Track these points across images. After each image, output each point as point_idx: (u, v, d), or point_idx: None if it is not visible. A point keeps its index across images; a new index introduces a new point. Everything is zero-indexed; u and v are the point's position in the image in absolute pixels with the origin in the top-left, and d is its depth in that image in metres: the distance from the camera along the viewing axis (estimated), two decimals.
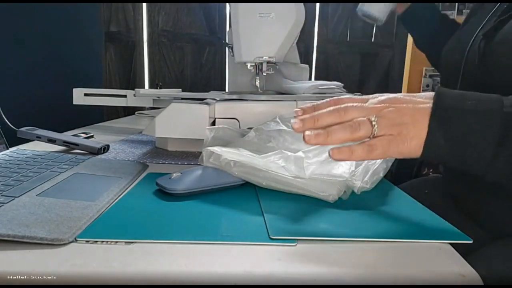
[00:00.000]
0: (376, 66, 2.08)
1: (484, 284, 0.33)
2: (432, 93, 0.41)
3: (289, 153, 0.50)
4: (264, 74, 0.82)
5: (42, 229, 0.36)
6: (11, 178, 0.50)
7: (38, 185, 0.48)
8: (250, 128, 0.63)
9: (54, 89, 1.26)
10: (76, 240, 0.36)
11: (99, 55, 1.77)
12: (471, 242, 0.39)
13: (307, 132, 0.40)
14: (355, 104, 0.41)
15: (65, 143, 0.71)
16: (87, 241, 0.36)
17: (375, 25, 2.04)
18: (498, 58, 0.56)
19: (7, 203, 0.42)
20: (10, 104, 0.78)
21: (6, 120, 0.71)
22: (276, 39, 0.79)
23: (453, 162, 0.40)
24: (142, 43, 1.88)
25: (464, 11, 1.89)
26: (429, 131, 0.39)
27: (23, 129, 0.73)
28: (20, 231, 0.35)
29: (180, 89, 1.25)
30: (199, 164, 0.56)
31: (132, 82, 1.92)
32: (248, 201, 0.48)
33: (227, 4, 1.71)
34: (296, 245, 0.37)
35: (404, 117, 0.40)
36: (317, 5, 2.02)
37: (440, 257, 0.36)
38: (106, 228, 0.39)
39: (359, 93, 0.84)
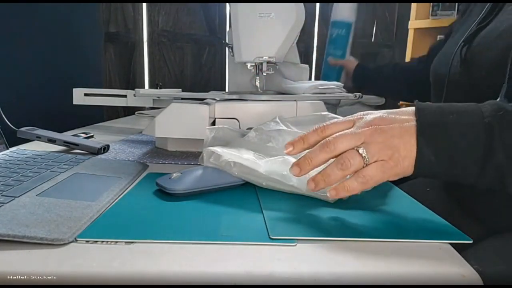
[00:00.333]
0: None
1: (484, 284, 0.33)
2: (412, 109, 0.43)
3: (291, 159, 0.50)
4: (264, 74, 0.82)
5: (42, 229, 0.36)
6: (11, 178, 0.50)
7: (38, 185, 0.48)
8: (250, 128, 0.63)
9: (54, 89, 1.26)
10: (76, 240, 0.36)
11: (99, 55, 1.76)
12: (471, 242, 0.39)
13: (310, 185, 0.44)
14: (342, 133, 0.42)
15: (65, 143, 0.71)
16: (87, 241, 0.36)
17: (375, 25, 2.04)
18: (477, 60, 0.59)
19: (7, 203, 0.42)
20: (10, 104, 0.78)
21: (6, 120, 0.71)
22: (276, 39, 0.79)
23: (444, 176, 0.42)
24: (142, 43, 1.88)
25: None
26: (418, 149, 0.40)
27: (23, 129, 0.73)
28: (20, 231, 0.35)
29: (180, 89, 1.25)
30: (199, 164, 0.56)
31: (132, 82, 1.91)
32: (248, 201, 0.48)
33: (227, 4, 1.71)
34: (296, 245, 0.37)
35: (393, 139, 0.41)
36: (317, 5, 2.02)
37: (440, 257, 0.36)
38: (106, 228, 0.39)
39: (359, 93, 0.84)
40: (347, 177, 0.43)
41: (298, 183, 0.49)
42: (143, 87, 1.90)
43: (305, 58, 2.04)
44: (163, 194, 0.50)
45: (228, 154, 0.53)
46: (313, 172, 0.44)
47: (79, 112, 1.10)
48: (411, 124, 0.41)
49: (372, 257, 0.35)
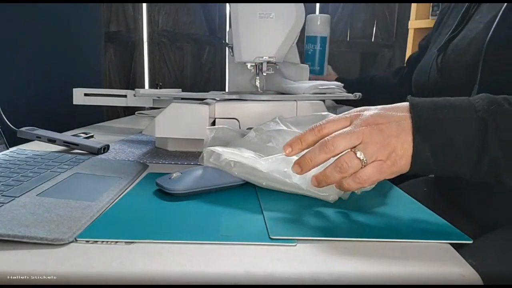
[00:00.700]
0: (376, 66, 2.08)
1: (484, 284, 0.33)
2: (406, 104, 0.43)
3: (292, 157, 0.50)
4: (264, 74, 0.82)
5: (42, 229, 0.36)
6: (11, 178, 0.50)
7: (38, 185, 0.48)
8: (250, 128, 0.63)
9: (54, 89, 1.26)
10: (76, 240, 0.36)
11: (99, 55, 1.76)
12: (471, 242, 0.39)
13: (313, 182, 0.45)
14: (340, 133, 0.42)
15: (65, 143, 0.71)
16: (87, 241, 0.36)
17: (375, 25, 2.04)
18: (451, 67, 0.63)
19: (7, 203, 0.42)
20: (10, 104, 0.78)
21: (6, 120, 0.71)
22: (276, 39, 0.79)
23: (440, 171, 0.42)
24: (142, 43, 1.88)
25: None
26: (415, 145, 0.41)
27: (23, 129, 0.72)
28: (20, 231, 0.35)
29: (180, 89, 1.25)
30: (199, 164, 0.56)
31: (132, 82, 1.92)
32: (248, 201, 0.48)
33: (227, 4, 1.71)
34: (296, 245, 0.37)
35: (391, 138, 0.41)
36: (317, 5, 2.02)
37: (440, 257, 0.36)
38: (106, 228, 0.39)
39: (359, 93, 0.84)
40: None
41: (300, 182, 0.49)
42: (143, 87, 1.90)
43: None
44: (163, 194, 0.50)
45: (228, 153, 0.53)
46: (314, 170, 0.44)
47: (79, 112, 1.10)
48: (407, 122, 0.41)
49: (372, 257, 0.35)
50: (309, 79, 1.10)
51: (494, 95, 0.42)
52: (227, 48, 0.91)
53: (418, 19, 1.72)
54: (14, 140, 0.72)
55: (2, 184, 0.48)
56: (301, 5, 0.79)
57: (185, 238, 0.37)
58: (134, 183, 0.54)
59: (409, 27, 1.75)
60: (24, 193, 0.45)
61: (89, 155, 0.68)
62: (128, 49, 1.89)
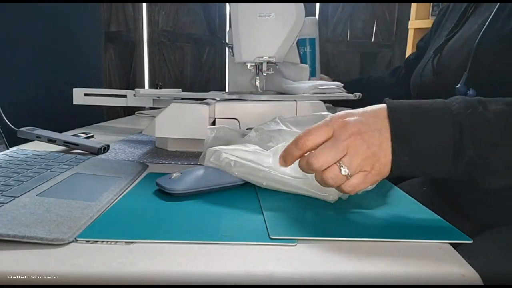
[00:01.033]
0: (376, 66, 2.08)
1: (484, 284, 0.33)
2: (384, 108, 0.44)
3: None
4: (264, 74, 0.82)
5: (42, 229, 0.36)
6: (11, 178, 0.50)
7: (38, 185, 0.48)
8: (250, 128, 0.63)
9: (54, 89, 1.26)
10: (76, 240, 0.36)
11: (99, 55, 1.76)
12: (471, 242, 0.39)
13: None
14: (324, 150, 0.42)
15: (65, 143, 0.71)
16: (87, 241, 0.36)
17: (375, 25, 2.04)
18: (446, 68, 0.64)
19: (7, 203, 0.42)
20: (10, 104, 0.78)
21: (6, 120, 0.71)
22: (276, 39, 0.79)
23: (418, 173, 0.44)
24: (142, 43, 1.88)
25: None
26: (394, 152, 0.42)
27: (23, 129, 0.72)
28: (20, 231, 0.35)
29: (180, 89, 1.25)
30: (199, 164, 0.56)
31: (132, 82, 1.92)
32: (248, 201, 0.48)
33: (227, 4, 1.71)
34: (296, 245, 0.37)
35: (373, 147, 0.42)
36: (317, 5, 2.02)
37: (440, 257, 0.36)
38: (106, 228, 0.39)
39: (359, 93, 0.84)
40: None
41: (300, 182, 0.49)
42: (143, 87, 1.90)
43: None
44: (163, 194, 0.50)
45: (230, 150, 0.53)
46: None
47: (79, 112, 1.10)
48: (386, 129, 0.42)
49: (372, 257, 0.35)
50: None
51: (480, 94, 0.44)
52: (227, 48, 0.91)
53: (418, 19, 1.72)
54: (14, 140, 0.72)
55: (2, 184, 0.48)
56: (301, 5, 0.79)
57: (185, 238, 0.37)
58: (134, 183, 0.54)
59: (409, 27, 1.75)
60: (24, 193, 0.45)
61: (89, 155, 0.68)
62: (128, 49, 1.89)
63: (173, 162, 0.67)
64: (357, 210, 0.46)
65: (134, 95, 0.96)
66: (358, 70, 2.09)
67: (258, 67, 0.82)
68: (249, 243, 0.37)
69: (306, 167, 0.43)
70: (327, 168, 0.42)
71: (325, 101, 0.82)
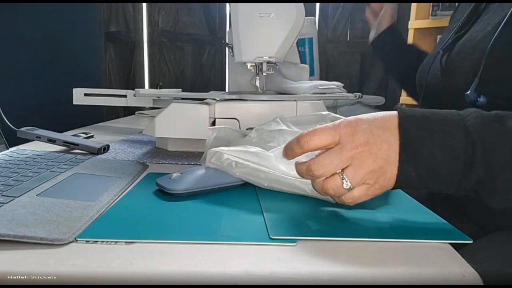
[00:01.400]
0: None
1: (484, 284, 0.33)
2: (395, 117, 0.41)
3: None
4: (264, 74, 0.82)
5: (42, 229, 0.36)
6: (11, 178, 0.50)
7: (38, 185, 0.48)
8: (251, 128, 0.63)
9: (54, 89, 1.26)
10: (76, 240, 0.36)
11: (99, 55, 1.77)
12: (471, 242, 0.39)
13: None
14: (328, 156, 0.40)
15: (65, 143, 0.71)
16: (87, 241, 0.36)
17: None
18: (455, 68, 0.60)
19: (7, 203, 0.42)
20: (10, 104, 0.78)
21: (6, 120, 0.71)
22: (276, 39, 0.79)
23: (423, 187, 0.42)
24: (142, 43, 1.88)
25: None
26: (400, 165, 0.40)
27: (23, 129, 0.73)
28: (20, 231, 0.35)
29: (180, 89, 1.25)
30: (199, 164, 0.56)
31: (132, 82, 1.92)
32: (248, 201, 0.48)
33: (227, 4, 1.71)
34: (296, 245, 0.37)
35: (381, 161, 0.40)
36: (317, 5, 2.02)
37: (440, 257, 0.36)
38: (106, 228, 0.39)
39: (359, 93, 0.84)
40: None
41: (302, 183, 0.49)
42: (143, 87, 1.90)
43: None
44: (163, 194, 0.50)
45: (232, 152, 0.53)
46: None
47: (79, 112, 1.10)
48: (396, 141, 0.40)
49: (372, 257, 0.35)
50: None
51: (491, 102, 0.41)
52: (227, 48, 0.91)
53: (418, 19, 1.72)
54: (14, 140, 0.72)
55: (2, 184, 0.48)
56: (301, 5, 0.79)
57: (185, 238, 0.37)
58: (134, 183, 0.54)
59: (409, 27, 1.75)
60: (24, 193, 0.45)
61: (89, 155, 0.68)
62: (128, 49, 1.89)
63: (173, 162, 0.67)
64: (357, 210, 0.46)
65: (134, 95, 0.96)
66: (358, 70, 2.09)
67: (258, 67, 0.82)
68: (249, 243, 0.37)
69: (305, 173, 0.41)
70: (328, 177, 0.41)
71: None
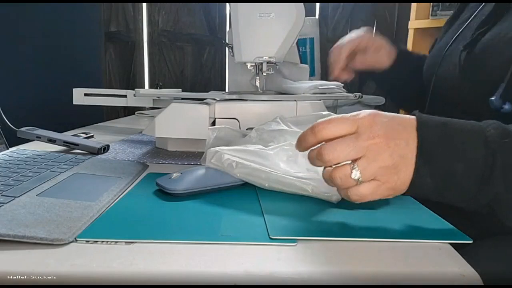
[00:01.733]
0: None
1: (484, 284, 0.33)
2: (414, 120, 0.40)
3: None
4: (264, 74, 0.82)
5: (42, 229, 0.36)
6: (11, 178, 0.50)
7: (38, 185, 0.48)
8: (251, 128, 0.63)
9: (54, 89, 1.26)
10: (76, 240, 0.36)
11: (99, 55, 1.76)
12: (471, 242, 0.39)
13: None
14: (342, 142, 0.38)
15: (65, 143, 0.71)
16: (87, 241, 0.36)
17: (375, 25, 2.04)
18: (481, 67, 0.56)
19: (7, 203, 0.42)
20: (10, 104, 0.78)
21: (6, 120, 0.71)
22: (276, 39, 0.79)
23: (436, 197, 0.40)
24: (142, 43, 1.88)
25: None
26: (416, 169, 0.38)
27: (23, 129, 0.72)
28: (20, 231, 0.35)
29: (180, 89, 1.25)
30: (200, 164, 0.56)
31: (132, 82, 1.91)
32: (248, 201, 0.48)
33: (227, 4, 1.71)
34: (296, 245, 0.37)
35: (396, 157, 0.38)
36: (317, 5, 2.02)
37: (440, 257, 0.36)
38: (106, 228, 0.39)
39: (360, 93, 0.84)
40: None
41: (304, 184, 0.49)
42: (143, 87, 1.90)
43: None
44: (163, 194, 0.50)
45: (232, 151, 0.52)
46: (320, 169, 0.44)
47: (79, 112, 1.10)
48: (414, 142, 0.39)
49: (372, 257, 0.35)
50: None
51: None
52: (227, 48, 0.91)
53: (418, 19, 1.72)
54: (14, 140, 0.72)
55: (2, 184, 0.48)
56: (301, 5, 0.79)
57: (185, 238, 0.37)
58: (134, 183, 0.54)
59: (409, 27, 1.75)
60: (24, 193, 0.45)
61: (89, 155, 0.68)
62: (128, 49, 1.89)
63: (173, 162, 0.67)
64: (357, 210, 0.46)
65: (134, 95, 0.96)
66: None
67: (258, 67, 0.82)
68: (249, 243, 0.37)
69: (316, 158, 0.39)
70: (339, 166, 0.39)
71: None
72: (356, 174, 0.38)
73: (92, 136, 0.87)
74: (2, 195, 0.44)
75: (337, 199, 0.48)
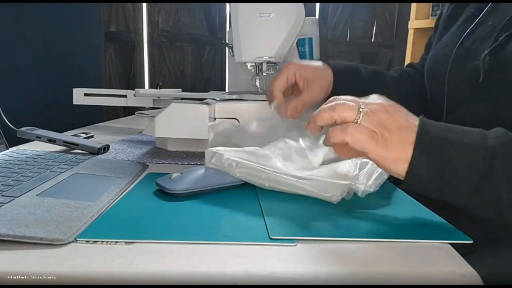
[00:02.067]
0: (376, 66, 2.08)
1: (484, 284, 0.33)
2: (416, 117, 0.42)
3: (292, 143, 0.50)
4: (264, 74, 0.82)
5: (42, 229, 0.36)
6: (11, 178, 0.50)
7: (38, 185, 0.48)
8: (250, 126, 0.63)
9: (54, 89, 1.26)
10: (76, 240, 0.36)
11: (99, 55, 1.76)
12: (471, 242, 0.39)
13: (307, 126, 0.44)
14: (349, 101, 0.41)
15: (65, 143, 0.71)
16: (87, 241, 0.36)
17: (375, 25, 2.04)
18: (502, 76, 0.53)
19: (7, 203, 0.42)
20: (10, 104, 0.78)
21: (6, 120, 0.71)
22: (276, 39, 0.79)
23: (436, 193, 0.41)
24: (142, 43, 1.88)
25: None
26: (413, 158, 0.39)
27: (23, 129, 0.72)
28: (20, 231, 0.35)
29: (180, 89, 1.25)
30: (200, 164, 0.56)
31: (132, 82, 1.91)
32: (248, 201, 0.48)
33: (227, 4, 1.71)
34: (296, 245, 0.37)
35: (393, 123, 0.40)
36: (317, 5, 2.02)
37: (440, 257, 0.36)
38: (106, 228, 0.39)
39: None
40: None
41: (304, 183, 0.49)
42: (143, 87, 1.90)
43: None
44: (163, 194, 0.50)
45: (232, 151, 0.52)
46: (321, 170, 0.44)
47: (79, 112, 1.10)
48: (413, 131, 0.40)
49: (372, 257, 0.35)
50: None
51: None
52: (227, 48, 0.91)
53: (418, 19, 1.72)
54: (14, 140, 0.72)
55: (2, 184, 0.48)
56: (301, 5, 0.79)
57: (185, 238, 0.37)
58: (134, 183, 0.54)
59: (409, 27, 1.75)
60: (24, 193, 0.45)
61: (89, 155, 0.68)
62: (128, 49, 1.89)
63: (173, 162, 0.67)
64: (357, 210, 0.46)
65: (134, 95, 0.96)
66: None
67: (258, 67, 0.82)
68: (249, 243, 0.37)
69: (327, 107, 0.41)
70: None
71: None
72: (362, 110, 0.40)
73: (92, 136, 0.87)
74: (2, 195, 0.44)
75: (337, 199, 0.48)
